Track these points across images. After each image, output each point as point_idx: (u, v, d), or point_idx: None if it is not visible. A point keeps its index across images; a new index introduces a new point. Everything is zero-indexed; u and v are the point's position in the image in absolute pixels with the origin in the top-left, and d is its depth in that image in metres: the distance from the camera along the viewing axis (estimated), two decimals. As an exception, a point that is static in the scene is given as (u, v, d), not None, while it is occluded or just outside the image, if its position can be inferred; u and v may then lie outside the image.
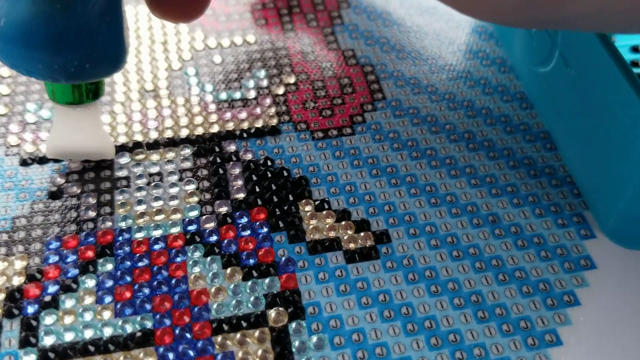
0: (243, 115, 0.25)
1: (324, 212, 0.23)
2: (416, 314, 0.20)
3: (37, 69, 0.19)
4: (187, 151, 0.24)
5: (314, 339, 0.20)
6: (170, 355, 0.19)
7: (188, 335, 0.20)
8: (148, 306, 0.20)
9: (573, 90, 0.23)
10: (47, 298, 0.20)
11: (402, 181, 0.24)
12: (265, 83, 0.27)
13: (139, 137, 0.25)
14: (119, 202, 0.23)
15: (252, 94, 0.26)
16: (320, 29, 0.29)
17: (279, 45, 0.28)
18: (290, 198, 0.23)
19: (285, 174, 0.24)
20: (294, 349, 0.19)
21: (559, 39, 0.23)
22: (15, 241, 0.22)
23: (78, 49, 0.18)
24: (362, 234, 0.22)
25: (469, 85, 0.27)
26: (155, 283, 0.21)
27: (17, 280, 0.21)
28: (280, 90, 0.26)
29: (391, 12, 0.30)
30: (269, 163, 0.24)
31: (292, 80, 0.27)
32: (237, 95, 0.26)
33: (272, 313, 0.20)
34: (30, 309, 0.20)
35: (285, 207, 0.23)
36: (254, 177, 0.23)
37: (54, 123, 0.22)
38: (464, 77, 0.27)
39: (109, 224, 0.22)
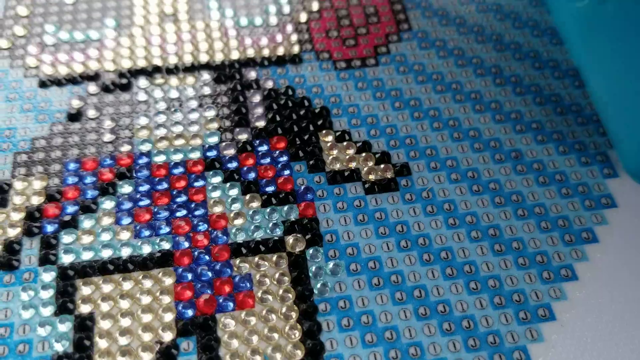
0: (264, 42, 0.25)
1: (345, 143, 0.22)
2: (433, 245, 0.20)
3: None
4: (207, 77, 0.24)
5: (330, 264, 0.20)
6: (189, 276, 0.19)
7: (207, 257, 0.20)
8: (167, 228, 0.20)
9: (608, 28, 0.22)
10: (67, 218, 0.21)
11: (425, 114, 0.23)
12: (287, 9, 0.26)
13: (158, 62, 0.24)
14: (139, 126, 0.23)
15: (273, 20, 0.26)
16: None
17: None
18: (311, 128, 0.23)
19: (307, 103, 0.23)
20: (310, 274, 0.20)
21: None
22: (34, 162, 0.22)
23: None
24: (382, 166, 0.22)
25: (499, 18, 0.26)
26: (174, 206, 0.21)
27: (37, 200, 0.21)
28: (303, 18, 0.26)
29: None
30: (290, 92, 0.24)
31: (315, 7, 0.26)
32: (258, 21, 0.26)
33: (290, 239, 0.20)
34: (50, 228, 0.20)
35: (306, 137, 0.22)
36: (275, 106, 0.23)
37: None
38: (494, 10, 0.26)
39: (128, 147, 0.22)
